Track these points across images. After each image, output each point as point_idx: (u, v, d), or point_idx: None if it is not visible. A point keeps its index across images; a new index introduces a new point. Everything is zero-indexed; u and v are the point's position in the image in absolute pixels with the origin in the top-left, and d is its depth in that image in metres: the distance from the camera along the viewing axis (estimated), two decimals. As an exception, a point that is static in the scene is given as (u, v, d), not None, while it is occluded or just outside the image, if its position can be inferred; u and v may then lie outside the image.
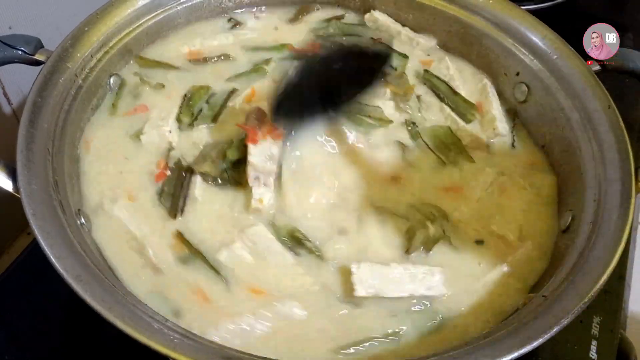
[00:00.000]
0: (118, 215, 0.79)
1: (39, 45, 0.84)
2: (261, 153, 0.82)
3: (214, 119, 0.92)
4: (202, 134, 0.90)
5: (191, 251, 0.77)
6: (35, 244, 0.67)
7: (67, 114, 0.82)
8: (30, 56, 0.83)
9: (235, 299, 0.74)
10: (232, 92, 0.96)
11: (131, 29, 0.96)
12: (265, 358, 0.63)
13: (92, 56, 0.89)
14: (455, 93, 1.01)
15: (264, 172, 0.82)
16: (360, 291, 0.74)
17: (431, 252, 0.80)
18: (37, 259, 0.64)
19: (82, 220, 0.77)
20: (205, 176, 0.84)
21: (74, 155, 0.84)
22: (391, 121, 0.95)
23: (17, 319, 0.91)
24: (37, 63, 0.84)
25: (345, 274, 0.76)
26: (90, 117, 0.91)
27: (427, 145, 0.93)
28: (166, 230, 0.79)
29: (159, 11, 1.00)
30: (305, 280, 0.76)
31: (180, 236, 0.79)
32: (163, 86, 0.96)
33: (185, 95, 0.95)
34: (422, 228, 0.82)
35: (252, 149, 0.81)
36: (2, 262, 1.10)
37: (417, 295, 0.75)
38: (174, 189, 0.83)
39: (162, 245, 0.78)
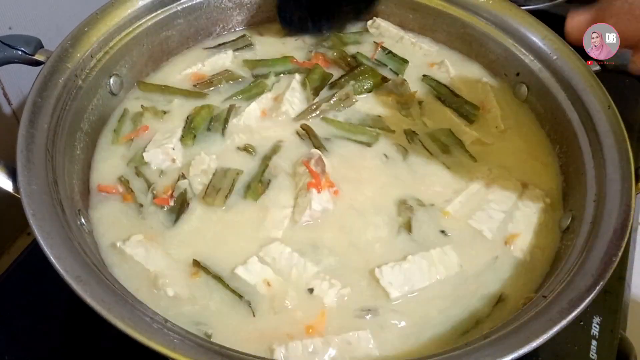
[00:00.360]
0: (131, 253, 0.77)
1: (39, 46, 0.84)
2: (320, 202, 0.82)
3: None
4: (211, 160, 0.88)
5: (211, 276, 0.76)
6: (35, 244, 0.67)
7: (67, 114, 0.82)
8: (30, 56, 0.83)
9: (272, 319, 0.73)
10: (230, 109, 0.95)
11: (131, 29, 0.95)
12: (264, 358, 0.63)
13: (92, 56, 0.88)
14: (457, 95, 1.01)
15: (314, 219, 0.82)
16: (394, 293, 0.75)
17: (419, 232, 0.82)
18: (37, 259, 0.64)
19: (82, 220, 0.77)
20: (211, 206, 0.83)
21: (74, 156, 0.84)
22: (393, 131, 0.95)
23: (17, 319, 0.91)
24: (37, 63, 0.84)
25: (373, 274, 0.77)
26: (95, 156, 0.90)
27: (428, 151, 0.93)
28: (182, 259, 0.78)
29: (159, 11, 1.00)
30: (336, 284, 0.76)
31: (197, 264, 0.77)
32: (164, 113, 0.96)
33: (188, 117, 0.94)
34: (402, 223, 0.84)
35: (314, 195, 0.82)
36: (2, 262, 1.11)
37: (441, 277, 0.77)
38: (176, 216, 0.82)
39: (181, 275, 0.76)
